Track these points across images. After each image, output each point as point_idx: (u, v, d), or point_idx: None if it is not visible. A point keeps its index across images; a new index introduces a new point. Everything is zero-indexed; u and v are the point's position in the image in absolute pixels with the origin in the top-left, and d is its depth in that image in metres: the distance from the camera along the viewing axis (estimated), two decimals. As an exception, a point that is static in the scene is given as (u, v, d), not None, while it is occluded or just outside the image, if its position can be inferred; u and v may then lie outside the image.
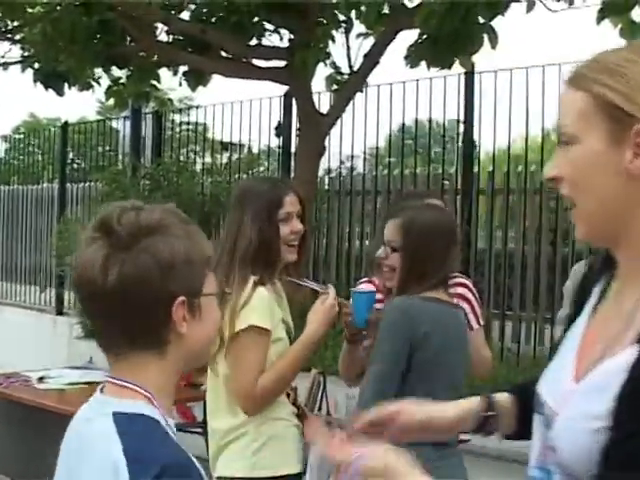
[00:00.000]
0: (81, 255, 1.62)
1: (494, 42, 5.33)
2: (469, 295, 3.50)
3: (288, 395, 3.17)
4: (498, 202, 7.32)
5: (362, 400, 2.85)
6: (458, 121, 7.06)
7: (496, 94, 6.61)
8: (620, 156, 1.42)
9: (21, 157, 15.48)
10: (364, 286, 3.44)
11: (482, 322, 3.61)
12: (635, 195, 1.43)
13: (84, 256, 1.62)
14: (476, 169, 7.21)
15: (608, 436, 1.36)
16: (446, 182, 7.44)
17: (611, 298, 1.55)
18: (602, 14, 5.46)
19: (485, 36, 5.32)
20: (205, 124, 9.71)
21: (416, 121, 7.85)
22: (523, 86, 6.55)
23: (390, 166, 8.42)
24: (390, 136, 8.85)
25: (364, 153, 8.54)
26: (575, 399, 1.45)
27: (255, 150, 9.57)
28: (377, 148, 8.59)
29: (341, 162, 8.45)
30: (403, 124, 7.54)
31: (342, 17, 6.76)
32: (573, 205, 1.49)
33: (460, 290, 3.43)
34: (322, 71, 6.83)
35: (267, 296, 3.04)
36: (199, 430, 5.50)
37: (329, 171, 8.39)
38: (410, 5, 6.09)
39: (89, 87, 7.35)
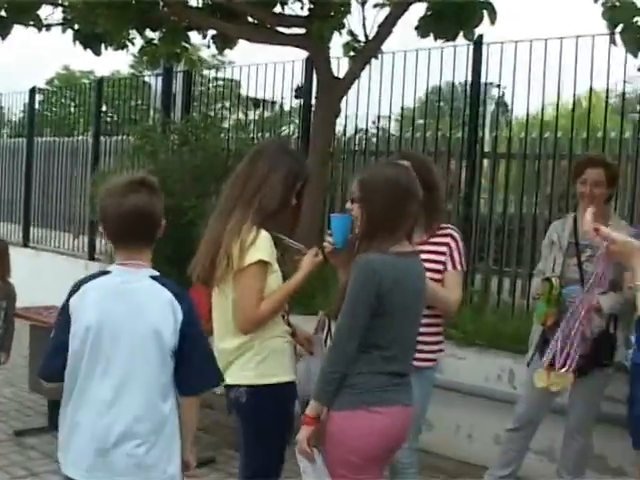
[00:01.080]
0: (134, 198, 3.12)
1: (493, 18, 5.83)
2: (452, 243, 4.24)
3: (283, 316, 3.82)
4: (512, 166, 7.85)
5: (335, 339, 3.44)
6: (486, 84, 7.58)
7: (501, 65, 7.12)
8: None
9: (55, 109, 16.00)
10: None
11: (459, 268, 4.26)
12: None
13: (138, 199, 3.11)
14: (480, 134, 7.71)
15: None
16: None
17: None
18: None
19: (485, 12, 5.80)
20: (236, 81, 10.18)
21: (439, 88, 8.33)
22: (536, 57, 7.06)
23: (402, 129, 8.89)
24: (403, 105, 9.28)
25: (376, 121, 8.99)
26: None
27: (285, 108, 10.07)
28: (395, 114, 9.05)
29: (368, 123, 8.99)
30: (427, 88, 8.01)
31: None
32: None
33: (446, 239, 4.21)
34: (342, 38, 7.35)
35: (269, 237, 3.67)
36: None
37: (345, 133, 8.88)
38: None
39: (124, 47, 7.89)
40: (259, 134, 9.88)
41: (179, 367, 3.15)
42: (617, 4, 5.09)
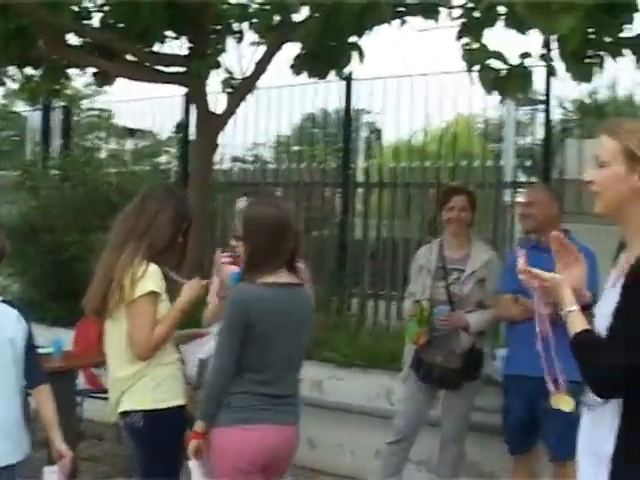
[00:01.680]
0: None
1: (362, 57, 6.24)
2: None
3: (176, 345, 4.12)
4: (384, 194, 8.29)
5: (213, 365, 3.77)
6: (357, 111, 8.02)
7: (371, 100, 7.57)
8: (633, 176, 2.63)
9: None
10: (225, 259, 4.45)
11: None
12: (633, 198, 2.64)
13: None
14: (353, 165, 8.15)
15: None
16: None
17: (621, 259, 2.76)
18: (461, 33, 6.34)
19: (355, 53, 6.21)
20: (109, 111, 10.34)
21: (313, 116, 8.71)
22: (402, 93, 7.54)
23: (278, 155, 9.25)
24: (279, 136, 9.67)
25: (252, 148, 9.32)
26: (603, 300, 2.72)
27: (159, 138, 10.28)
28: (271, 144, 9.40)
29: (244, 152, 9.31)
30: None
31: (235, 28, 7.53)
32: (597, 196, 2.69)
33: None
34: (220, 75, 7.63)
35: (159, 270, 4.00)
36: (105, 396, 6.25)
37: (222, 163, 9.16)
38: (297, 19, 6.91)
39: (2, 84, 8.01)
40: (136, 166, 10.05)
41: (26, 366, 3.86)
42: (474, 47, 5.53)
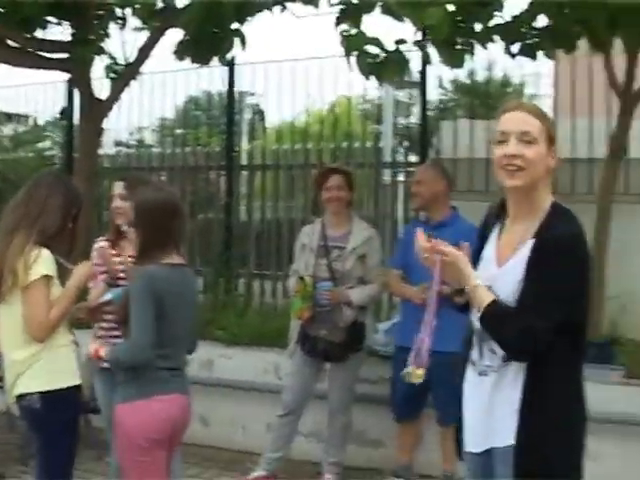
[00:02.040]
0: None
1: (244, 44, 6.40)
2: None
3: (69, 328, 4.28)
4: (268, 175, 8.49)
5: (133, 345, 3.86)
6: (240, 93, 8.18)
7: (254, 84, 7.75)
8: (548, 156, 2.90)
9: None
10: (103, 244, 4.71)
11: None
12: (545, 176, 2.91)
13: None
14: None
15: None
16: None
17: (508, 228, 3.00)
18: (339, 19, 6.56)
19: (236, 39, 6.36)
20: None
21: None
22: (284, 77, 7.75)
23: (162, 139, 9.32)
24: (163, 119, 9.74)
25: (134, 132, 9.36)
26: (504, 273, 2.90)
27: (40, 123, 10.18)
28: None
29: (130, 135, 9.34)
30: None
31: (119, 13, 7.56)
32: (521, 171, 2.87)
33: None
34: (103, 61, 7.66)
35: (50, 255, 4.11)
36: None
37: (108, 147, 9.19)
38: (180, 5, 7.00)
39: None
40: (16, 152, 9.97)
41: None
42: (352, 33, 5.76)
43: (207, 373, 6.70)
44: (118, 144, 9.64)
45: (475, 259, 3.06)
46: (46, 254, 4.07)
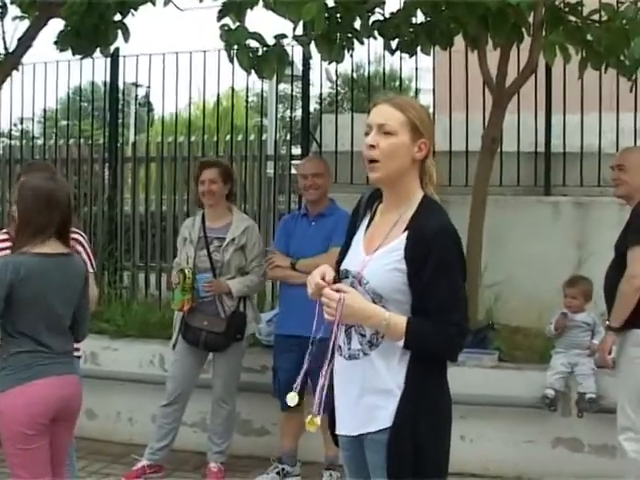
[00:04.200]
0: None
1: (127, 36, 6.38)
2: (79, 248, 4.58)
3: None
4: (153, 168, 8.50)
5: None
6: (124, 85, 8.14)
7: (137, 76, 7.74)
8: (413, 148, 2.92)
9: None
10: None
11: (91, 270, 4.60)
12: (411, 167, 2.94)
13: None
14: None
15: (406, 273, 2.86)
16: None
17: (379, 217, 3.05)
18: (222, 13, 6.59)
19: (119, 31, 6.34)
20: None
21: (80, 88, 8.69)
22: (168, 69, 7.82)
23: (45, 131, 9.20)
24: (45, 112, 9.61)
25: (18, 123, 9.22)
26: (374, 260, 2.92)
27: None
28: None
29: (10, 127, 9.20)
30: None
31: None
32: (377, 162, 2.90)
33: (72, 243, 4.36)
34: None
35: None
36: None
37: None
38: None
39: None
40: None
41: None
42: (233, 27, 5.81)
43: (92, 366, 6.68)
44: (0, 135, 9.47)
45: (346, 246, 3.14)
46: None
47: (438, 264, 2.84)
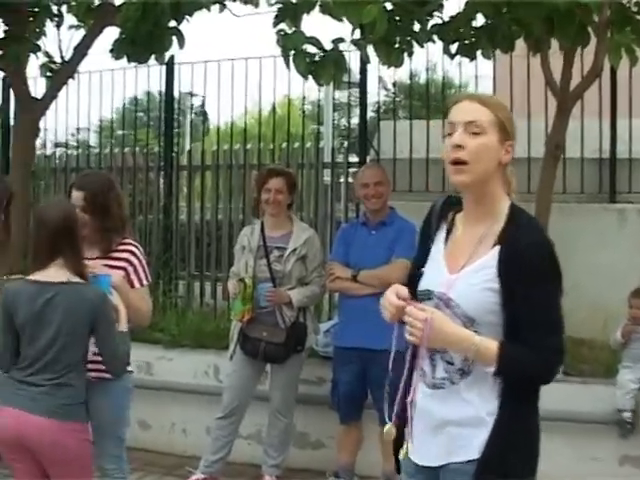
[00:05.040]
0: None
1: (181, 42, 6.32)
2: (133, 259, 4.38)
3: None
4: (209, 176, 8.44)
5: None
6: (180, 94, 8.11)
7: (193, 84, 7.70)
8: (501, 150, 2.67)
9: None
10: None
11: (145, 282, 4.44)
12: (496, 172, 2.68)
13: None
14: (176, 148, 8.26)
15: (500, 293, 2.60)
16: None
17: (460, 230, 2.76)
18: (278, 19, 6.51)
19: (174, 38, 6.28)
20: None
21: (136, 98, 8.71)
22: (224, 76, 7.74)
23: (101, 140, 9.21)
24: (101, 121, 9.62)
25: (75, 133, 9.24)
26: (461, 279, 2.65)
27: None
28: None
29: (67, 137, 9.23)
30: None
31: (55, 10, 7.42)
32: (464, 164, 2.63)
33: (124, 255, 4.37)
34: (39, 59, 7.53)
35: None
36: None
37: (45, 148, 9.07)
38: (117, 3, 6.89)
39: None
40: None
41: None
42: (289, 32, 5.71)
43: (146, 375, 6.61)
44: (57, 145, 9.48)
45: (419, 259, 2.87)
46: None
47: (534, 282, 2.58)
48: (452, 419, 2.68)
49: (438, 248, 2.81)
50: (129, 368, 4.36)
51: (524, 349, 2.58)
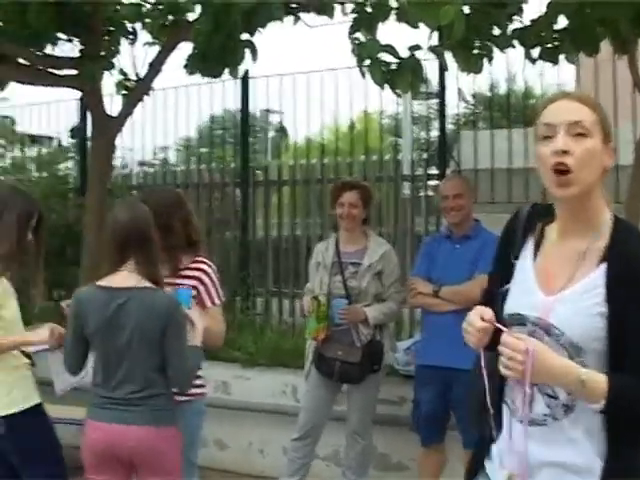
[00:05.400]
0: None
1: (255, 55, 6.21)
2: (204, 278, 4.24)
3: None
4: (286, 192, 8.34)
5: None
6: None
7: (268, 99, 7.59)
8: (604, 154, 2.35)
9: None
10: None
11: (217, 302, 4.28)
12: (598, 180, 2.35)
13: None
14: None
15: (607, 317, 2.26)
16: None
17: (553, 244, 2.42)
18: (353, 28, 6.37)
19: (247, 50, 6.17)
20: (12, 117, 10.11)
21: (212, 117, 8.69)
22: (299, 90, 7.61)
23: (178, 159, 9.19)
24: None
25: (157, 152, 9.25)
26: (563, 303, 2.31)
27: (63, 144, 10.11)
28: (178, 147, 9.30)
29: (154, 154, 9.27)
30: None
31: (129, 28, 7.42)
32: (570, 173, 2.30)
33: (196, 273, 4.23)
34: (114, 76, 7.54)
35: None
36: None
37: (123, 168, 9.09)
38: (191, 19, 6.85)
39: None
40: (38, 173, 9.87)
41: None
42: (364, 41, 5.55)
43: (223, 395, 6.50)
44: (141, 164, 9.52)
45: (499, 275, 2.55)
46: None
47: None
48: (555, 460, 2.34)
49: (525, 264, 2.47)
50: (203, 390, 4.26)
51: (636, 382, 2.25)
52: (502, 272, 2.53)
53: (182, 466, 3.92)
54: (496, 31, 5.58)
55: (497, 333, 2.34)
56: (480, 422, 2.52)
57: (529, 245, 2.48)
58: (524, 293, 2.42)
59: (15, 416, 4.02)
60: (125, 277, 3.71)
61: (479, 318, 2.36)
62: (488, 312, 2.38)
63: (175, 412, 3.81)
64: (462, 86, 8.04)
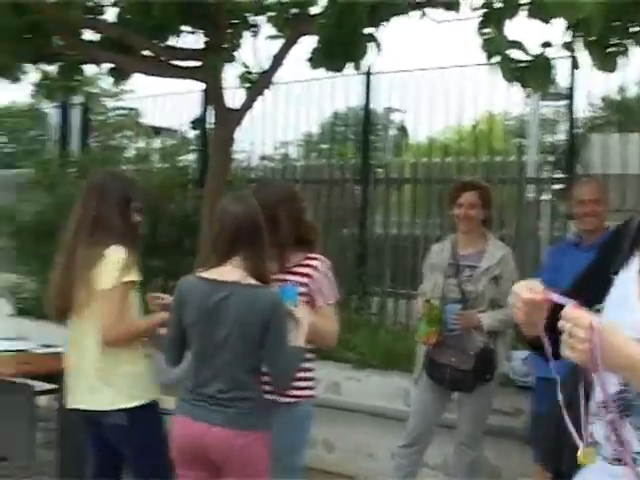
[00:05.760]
0: None
1: (379, 49, 6.08)
2: (317, 276, 4.04)
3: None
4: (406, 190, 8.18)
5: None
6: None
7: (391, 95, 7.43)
8: None
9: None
10: None
11: (331, 301, 4.09)
12: None
13: None
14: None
15: None
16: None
17: None
18: (482, 24, 6.17)
19: (371, 44, 6.04)
20: (137, 109, 10.28)
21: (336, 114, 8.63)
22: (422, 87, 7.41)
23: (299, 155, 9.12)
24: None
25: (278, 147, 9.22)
26: None
27: (185, 136, 10.23)
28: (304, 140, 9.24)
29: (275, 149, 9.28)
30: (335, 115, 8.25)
31: (252, 21, 7.40)
32: None
33: (307, 270, 4.05)
34: (237, 68, 7.53)
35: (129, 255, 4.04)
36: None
37: (242, 161, 9.10)
38: (312, 12, 6.78)
39: (18, 80, 7.90)
40: (160, 164, 9.97)
41: None
42: (493, 36, 5.35)
43: (334, 396, 6.39)
44: (263, 158, 9.53)
45: (584, 284, 2.31)
46: (126, 257, 3.98)
47: None
48: None
49: (628, 279, 2.15)
50: (311, 392, 4.10)
51: None
52: (593, 288, 2.19)
53: (279, 471, 3.82)
54: (635, 28, 5.30)
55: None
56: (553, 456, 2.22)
57: (636, 259, 2.17)
58: (622, 310, 2.09)
59: (137, 409, 4.03)
60: (230, 271, 3.61)
61: (527, 290, 2.06)
62: (538, 285, 2.07)
63: (265, 417, 3.67)
64: (592, 88, 7.74)
